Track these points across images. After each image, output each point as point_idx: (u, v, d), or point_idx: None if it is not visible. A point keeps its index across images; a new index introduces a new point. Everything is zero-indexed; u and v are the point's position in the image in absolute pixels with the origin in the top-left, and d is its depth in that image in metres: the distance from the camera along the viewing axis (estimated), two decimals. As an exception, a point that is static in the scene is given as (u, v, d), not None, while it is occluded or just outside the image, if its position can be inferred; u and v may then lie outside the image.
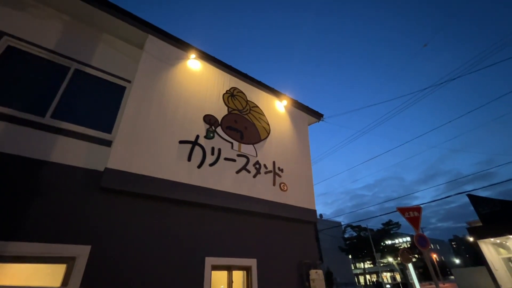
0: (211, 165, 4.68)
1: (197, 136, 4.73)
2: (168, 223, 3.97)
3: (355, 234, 42.19)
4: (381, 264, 39.23)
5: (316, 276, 5.00)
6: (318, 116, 7.45)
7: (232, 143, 5.19)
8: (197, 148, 4.63)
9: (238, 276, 4.45)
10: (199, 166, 4.52)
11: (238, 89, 6.02)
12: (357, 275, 50.61)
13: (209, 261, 4.04)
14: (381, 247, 39.64)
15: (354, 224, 41.04)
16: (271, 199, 5.25)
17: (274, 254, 4.91)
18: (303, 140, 6.78)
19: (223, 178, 4.74)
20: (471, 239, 17.45)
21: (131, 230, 3.60)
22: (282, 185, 5.61)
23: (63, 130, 3.66)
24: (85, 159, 3.67)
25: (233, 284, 4.18)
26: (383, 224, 41.85)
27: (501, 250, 17.34)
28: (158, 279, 3.52)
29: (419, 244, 5.76)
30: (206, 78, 5.53)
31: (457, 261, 61.24)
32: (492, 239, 16.79)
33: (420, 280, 16.41)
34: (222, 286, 4.27)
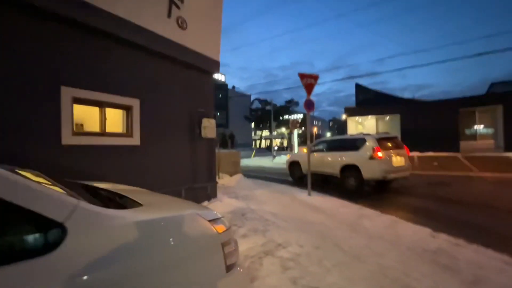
0: (58, -49, 2.93)
1: None
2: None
3: (260, 106, 47.25)
4: (275, 133, 47.55)
5: (208, 124, 5.02)
6: None
7: None
8: None
9: (115, 114, 3.88)
10: None
11: None
12: (255, 140, 60.84)
13: (68, 91, 3.16)
14: (280, 120, 46.82)
15: (261, 98, 45.15)
16: (163, 35, 4.20)
17: (163, 98, 4.41)
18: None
19: (85, -17, 3.19)
20: (344, 116, 22.19)
21: None
22: (180, 20, 4.46)
23: None
24: None
25: (107, 121, 3.63)
26: (286, 101, 47.69)
27: (359, 126, 23.12)
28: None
29: (307, 107, 6.41)
30: None
31: (328, 134, 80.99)
32: (357, 118, 21.81)
33: (299, 144, 21.01)
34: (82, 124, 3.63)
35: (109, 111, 3.70)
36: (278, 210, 4.98)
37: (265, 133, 59.49)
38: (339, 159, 7.46)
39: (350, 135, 9.51)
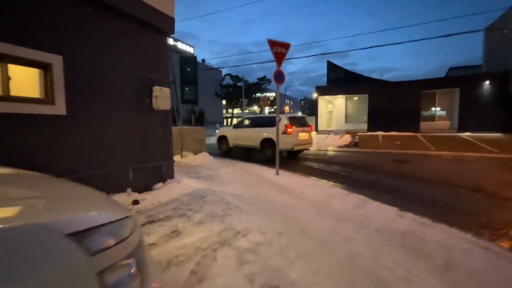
0: None
1: None
2: None
3: (232, 82, 45.59)
4: (247, 111, 46.63)
5: (161, 93, 4.26)
6: None
7: None
8: None
9: (29, 74, 2.98)
10: None
11: None
12: (226, 118, 59.48)
13: None
14: (252, 98, 45.80)
15: (233, 74, 43.44)
16: (94, -28, 3.24)
17: (100, 58, 3.53)
18: None
19: None
20: (315, 95, 22.10)
21: None
22: (119, -43, 3.49)
23: None
24: None
25: (12, 82, 2.74)
26: (258, 79, 46.52)
27: (329, 105, 23.30)
28: None
29: (276, 79, 5.85)
30: None
31: (300, 113, 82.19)
32: (327, 97, 21.86)
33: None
34: None
35: (17, 69, 2.80)
36: (243, 191, 4.55)
37: (237, 110, 58.31)
38: (260, 134, 8.70)
39: (269, 113, 11.27)
